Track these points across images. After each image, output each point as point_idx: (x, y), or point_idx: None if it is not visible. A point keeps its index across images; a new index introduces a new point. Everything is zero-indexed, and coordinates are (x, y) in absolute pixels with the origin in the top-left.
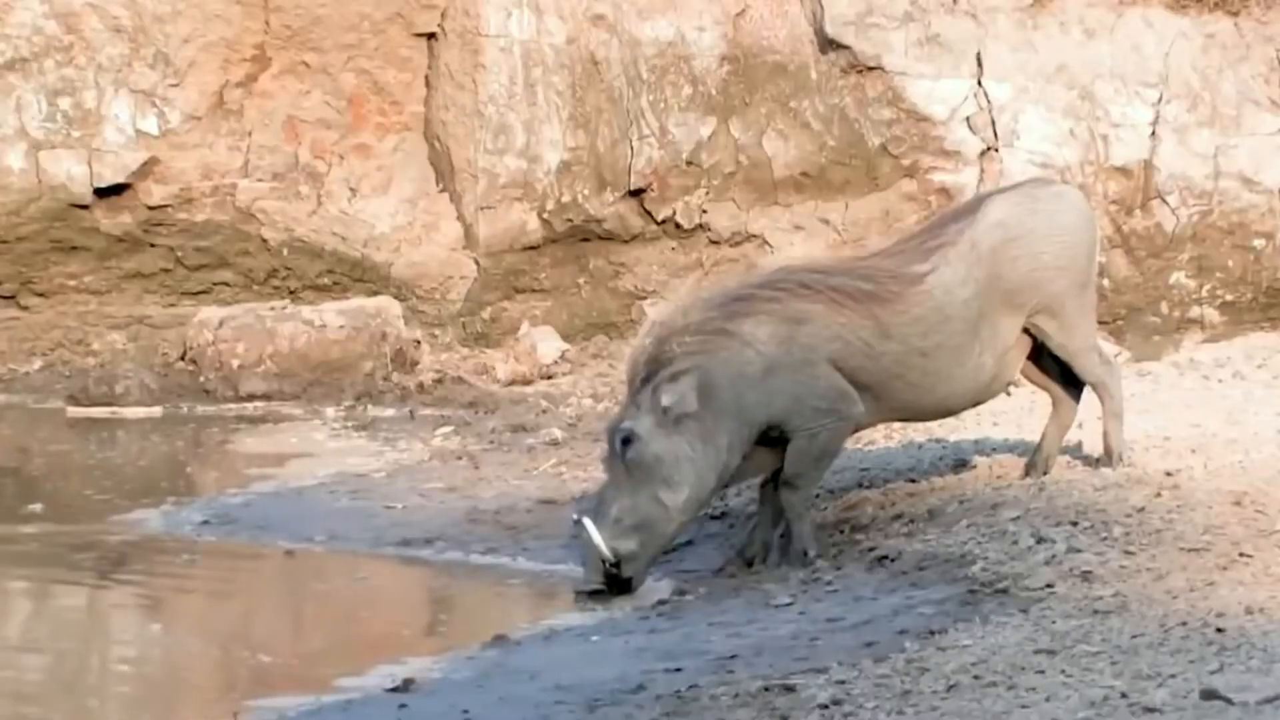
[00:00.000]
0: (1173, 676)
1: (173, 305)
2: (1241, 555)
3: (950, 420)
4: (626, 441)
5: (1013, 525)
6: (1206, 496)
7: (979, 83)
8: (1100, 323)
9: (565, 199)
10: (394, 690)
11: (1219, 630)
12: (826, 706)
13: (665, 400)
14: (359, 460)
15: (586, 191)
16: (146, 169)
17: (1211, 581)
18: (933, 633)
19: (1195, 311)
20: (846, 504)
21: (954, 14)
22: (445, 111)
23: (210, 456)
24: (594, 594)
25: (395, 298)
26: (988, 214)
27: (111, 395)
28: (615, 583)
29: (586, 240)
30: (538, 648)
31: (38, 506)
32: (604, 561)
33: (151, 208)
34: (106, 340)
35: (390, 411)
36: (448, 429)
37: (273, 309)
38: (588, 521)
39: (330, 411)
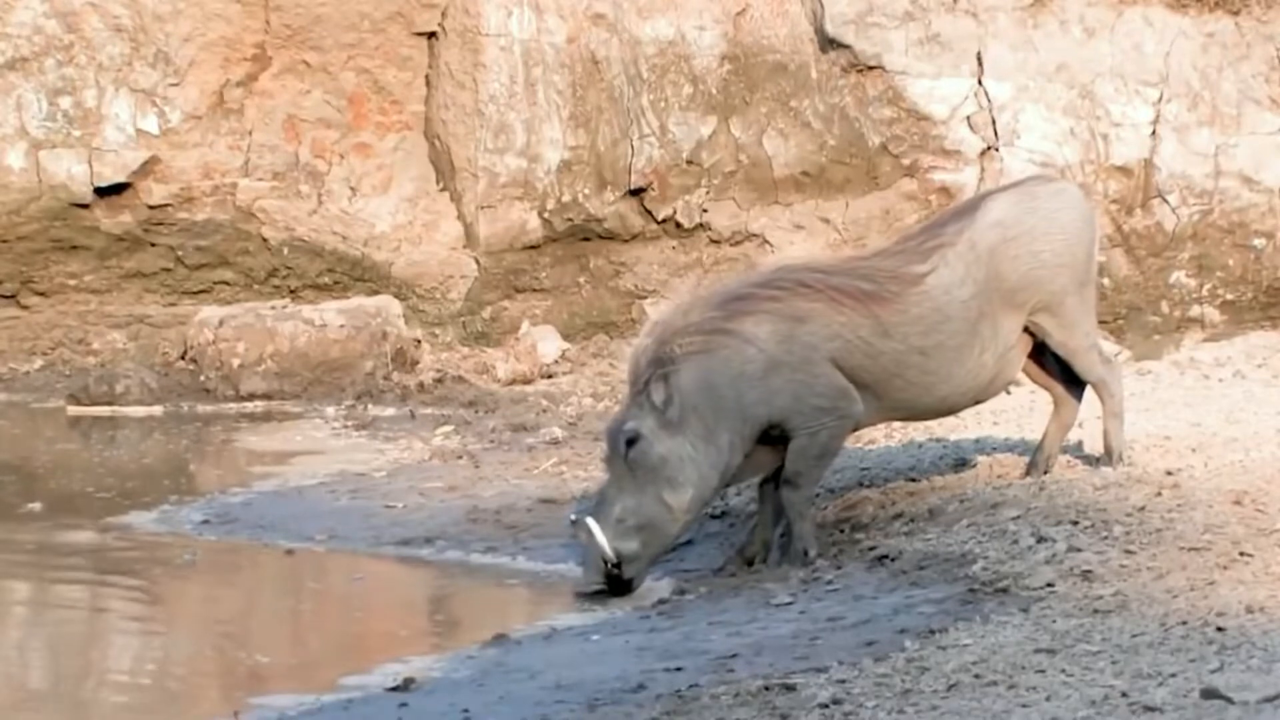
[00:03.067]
0: (1173, 675)
1: (173, 304)
2: (1242, 554)
3: (950, 419)
4: (630, 442)
5: (1013, 524)
6: (1207, 495)
7: (979, 82)
8: (1101, 322)
9: (565, 198)
10: (394, 689)
11: (1219, 629)
12: (827, 706)
13: (654, 397)
14: (359, 459)
15: (587, 191)
16: (147, 168)
17: (1212, 580)
18: (933, 632)
19: (1195, 310)
20: (847, 503)
21: (954, 13)
22: (445, 111)
23: (210, 456)
24: (594, 595)
25: (395, 297)
26: (987, 213)
27: (112, 394)
28: (616, 583)
29: (587, 239)
30: (538, 647)
31: (36, 505)
32: (606, 562)
33: (152, 207)
34: (107, 339)
35: (390, 411)
36: (448, 428)
37: (273, 308)
38: (591, 521)
39: (330, 411)
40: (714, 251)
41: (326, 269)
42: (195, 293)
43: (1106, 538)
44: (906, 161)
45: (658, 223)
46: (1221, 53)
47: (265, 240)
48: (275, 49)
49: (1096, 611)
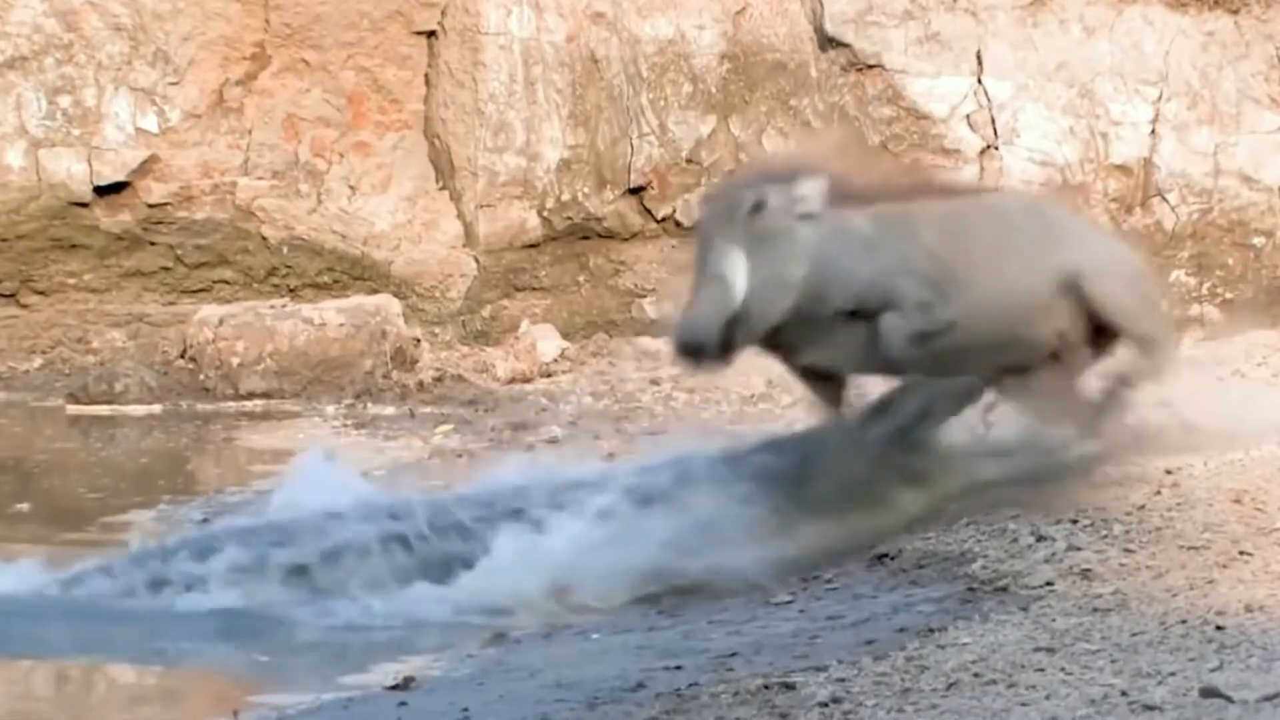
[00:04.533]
0: (1172, 674)
1: (172, 303)
2: (1241, 553)
3: None
4: (756, 208)
5: (1012, 523)
6: (1206, 494)
7: (979, 81)
8: None
9: (565, 197)
10: (394, 688)
11: (1219, 628)
12: (826, 704)
13: (798, 191)
14: (359, 458)
15: (586, 189)
16: (146, 167)
17: (1211, 579)
18: (932, 630)
19: (1195, 309)
20: None
21: (954, 12)
22: (445, 109)
23: (210, 454)
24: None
25: (395, 296)
26: None
27: (111, 393)
28: (724, 345)
29: (586, 238)
30: (537, 646)
31: (24, 506)
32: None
33: (151, 206)
34: (106, 338)
35: (390, 409)
36: (447, 427)
37: (272, 307)
38: (735, 251)
39: (330, 409)
40: None
41: (326, 268)
42: (195, 292)
43: (1106, 536)
44: (906, 160)
45: (657, 221)
46: (1221, 52)
47: (265, 239)
48: (275, 48)
49: (1096, 610)
